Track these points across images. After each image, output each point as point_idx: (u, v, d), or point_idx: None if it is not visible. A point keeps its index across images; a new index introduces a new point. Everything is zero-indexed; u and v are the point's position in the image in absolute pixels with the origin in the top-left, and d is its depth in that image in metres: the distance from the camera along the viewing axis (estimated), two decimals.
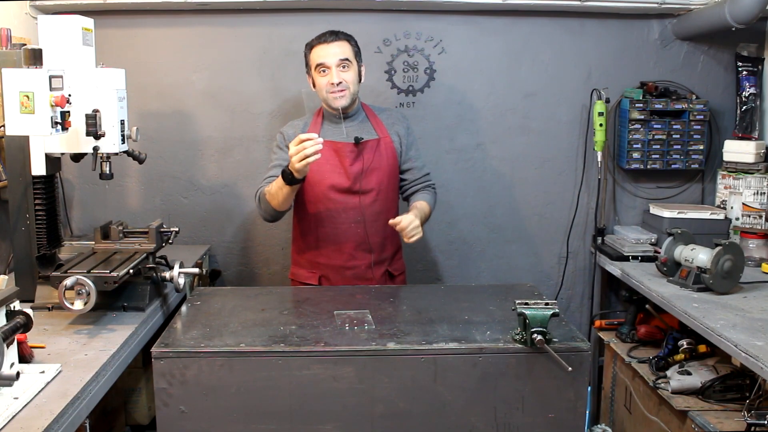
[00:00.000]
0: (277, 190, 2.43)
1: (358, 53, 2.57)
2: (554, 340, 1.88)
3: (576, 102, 3.29)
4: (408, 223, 2.40)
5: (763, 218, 3.01)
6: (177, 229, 2.48)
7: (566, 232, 3.38)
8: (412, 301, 2.31)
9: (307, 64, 2.58)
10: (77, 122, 2.07)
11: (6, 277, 2.26)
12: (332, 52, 2.49)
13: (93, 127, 2.07)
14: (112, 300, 2.15)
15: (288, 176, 2.34)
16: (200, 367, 1.84)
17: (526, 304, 1.86)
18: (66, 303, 1.93)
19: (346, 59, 2.50)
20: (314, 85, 2.58)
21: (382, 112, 2.71)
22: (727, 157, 3.15)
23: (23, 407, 1.52)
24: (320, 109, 2.65)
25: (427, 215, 2.60)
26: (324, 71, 2.50)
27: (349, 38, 2.55)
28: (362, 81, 2.61)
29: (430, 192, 2.72)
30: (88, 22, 2.22)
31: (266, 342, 1.90)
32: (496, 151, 3.32)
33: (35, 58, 1.94)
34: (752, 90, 3.17)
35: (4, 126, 1.96)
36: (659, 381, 2.54)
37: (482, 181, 3.34)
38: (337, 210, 2.54)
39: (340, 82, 2.49)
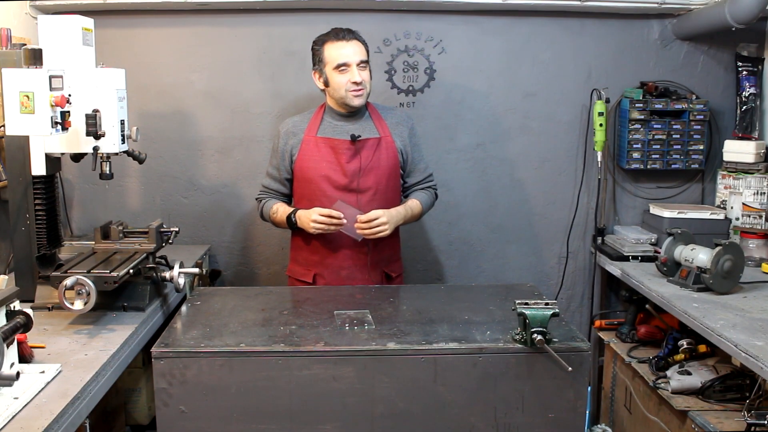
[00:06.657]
0: (280, 222, 2.64)
1: (368, 54, 2.59)
2: (554, 340, 1.89)
3: (576, 102, 3.29)
4: (374, 216, 2.44)
5: (763, 218, 3.01)
6: (177, 229, 2.48)
7: (566, 232, 3.38)
8: (412, 301, 2.31)
9: (320, 60, 2.56)
10: (77, 122, 2.07)
11: (6, 277, 2.26)
12: (353, 51, 2.51)
13: (93, 127, 2.07)
14: (112, 300, 2.15)
15: (294, 225, 2.56)
16: (200, 367, 1.84)
17: (526, 304, 1.87)
18: (66, 303, 1.93)
19: (365, 60, 2.53)
20: (326, 83, 2.56)
21: (387, 111, 2.71)
22: (727, 157, 3.15)
23: (23, 407, 1.52)
24: (323, 105, 2.65)
25: (415, 214, 2.64)
26: (344, 69, 2.50)
27: (361, 39, 2.57)
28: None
29: (428, 193, 2.73)
30: (88, 22, 2.22)
31: (266, 342, 1.90)
32: (496, 151, 3.32)
33: (35, 58, 1.94)
34: (752, 90, 3.16)
35: (4, 126, 1.96)
36: (659, 381, 2.54)
37: (482, 181, 3.34)
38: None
39: (361, 81, 2.51)
